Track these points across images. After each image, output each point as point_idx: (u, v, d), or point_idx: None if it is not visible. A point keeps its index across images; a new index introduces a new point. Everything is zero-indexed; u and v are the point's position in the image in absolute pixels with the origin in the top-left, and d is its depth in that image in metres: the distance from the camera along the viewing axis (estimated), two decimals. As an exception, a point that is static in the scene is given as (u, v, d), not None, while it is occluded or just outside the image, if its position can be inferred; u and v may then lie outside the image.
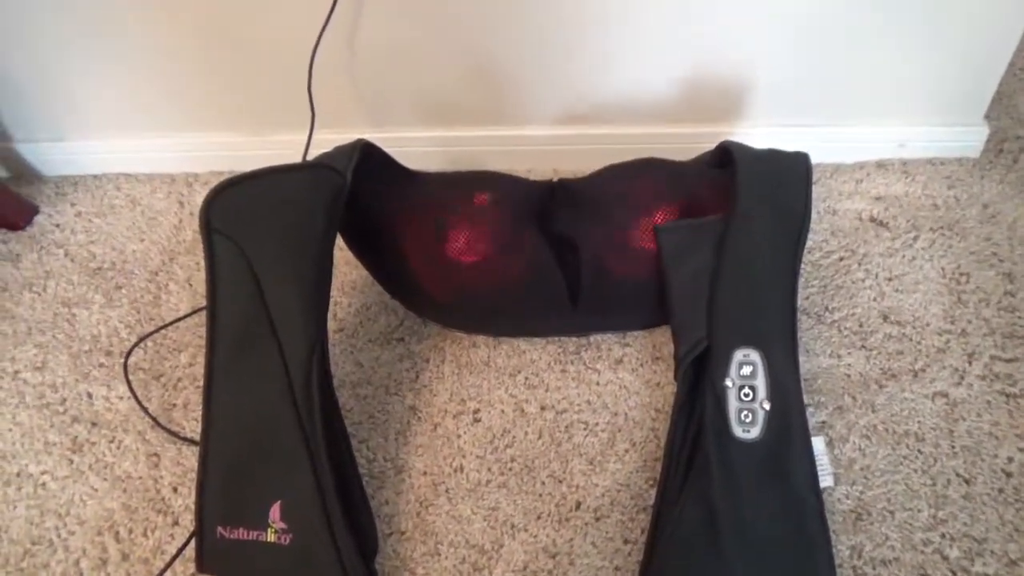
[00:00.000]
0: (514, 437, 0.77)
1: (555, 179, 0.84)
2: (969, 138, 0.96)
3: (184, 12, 0.90)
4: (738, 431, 0.65)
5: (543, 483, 0.74)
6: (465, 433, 0.78)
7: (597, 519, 0.71)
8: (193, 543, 0.65)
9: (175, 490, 0.75)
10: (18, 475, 0.77)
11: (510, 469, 0.75)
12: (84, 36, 0.93)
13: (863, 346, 0.80)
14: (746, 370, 0.67)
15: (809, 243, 0.87)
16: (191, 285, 0.93)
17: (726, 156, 0.78)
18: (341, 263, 0.92)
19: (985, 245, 0.87)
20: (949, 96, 0.93)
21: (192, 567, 0.66)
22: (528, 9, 0.86)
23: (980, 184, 0.94)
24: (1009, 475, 0.70)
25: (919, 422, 0.74)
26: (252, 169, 0.70)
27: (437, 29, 0.89)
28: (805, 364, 0.78)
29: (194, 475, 0.66)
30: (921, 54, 0.88)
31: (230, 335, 0.66)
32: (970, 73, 0.90)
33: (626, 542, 0.69)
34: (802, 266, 0.82)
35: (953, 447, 0.72)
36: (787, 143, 0.82)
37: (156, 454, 0.78)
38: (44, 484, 0.76)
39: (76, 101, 1.01)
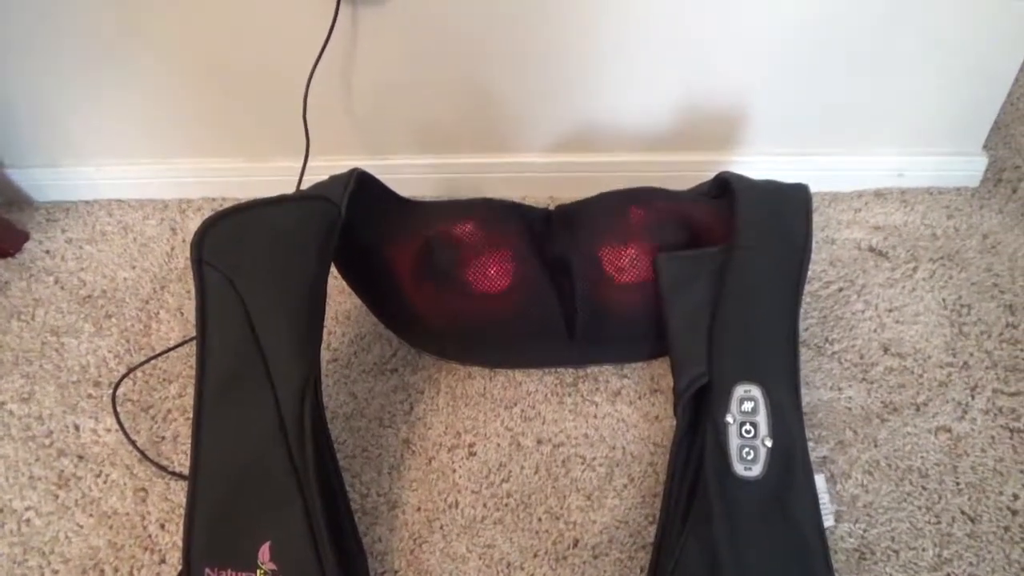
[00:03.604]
0: (510, 472, 0.75)
1: (551, 206, 0.83)
2: (968, 168, 0.96)
3: (178, 39, 0.89)
4: (739, 469, 0.64)
5: (540, 519, 0.72)
6: (460, 467, 0.76)
7: (595, 557, 0.69)
8: (180, 584, 0.63)
9: (162, 527, 0.73)
10: (1, 511, 0.75)
11: (506, 505, 0.73)
12: (77, 62, 0.92)
13: (864, 379, 0.79)
14: (747, 406, 0.66)
15: (808, 273, 0.86)
16: (182, 314, 0.92)
17: (724, 187, 0.77)
18: (335, 292, 0.90)
19: (986, 276, 0.86)
20: (948, 126, 0.93)
21: (178, 609, 0.64)
22: (523, 39, 0.86)
23: (979, 214, 0.93)
24: (1015, 513, 0.69)
25: (922, 457, 0.73)
26: (246, 197, 0.69)
27: (432, 57, 0.89)
28: (805, 397, 0.77)
29: (182, 511, 0.65)
30: (920, 84, 0.88)
31: (220, 370, 0.65)
32: (969, 103, 0.90)
33: (625, 582, 0.68)
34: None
35: (957, 483, 0.71)
36: (784, 171, 0.82)
37: (144, 489, 0.76)
38: (28, 520, 0.74)
39: (68, 126, 1.00)
